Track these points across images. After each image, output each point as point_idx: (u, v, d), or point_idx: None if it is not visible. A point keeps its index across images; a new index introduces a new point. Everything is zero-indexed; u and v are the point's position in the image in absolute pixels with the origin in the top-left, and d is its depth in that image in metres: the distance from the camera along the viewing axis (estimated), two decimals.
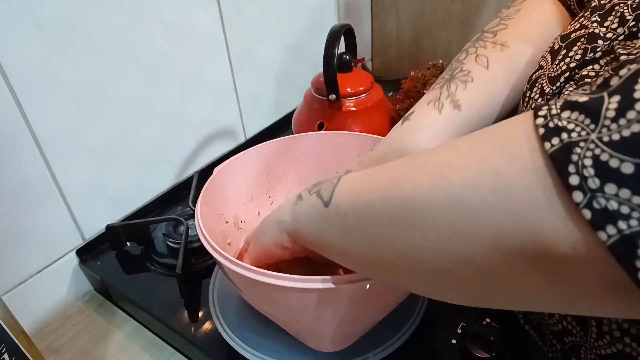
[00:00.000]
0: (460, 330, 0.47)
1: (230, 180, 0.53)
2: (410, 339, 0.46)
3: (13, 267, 0.56)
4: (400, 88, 0.75)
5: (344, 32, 0.65)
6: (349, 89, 0.68)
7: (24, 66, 0.51)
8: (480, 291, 0.26)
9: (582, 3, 0.46)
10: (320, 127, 0.68)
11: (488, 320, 0.46)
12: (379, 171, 0.30)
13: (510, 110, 0.47)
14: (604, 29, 0.34)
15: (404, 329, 0.47)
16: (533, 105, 0.38)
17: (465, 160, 0.24)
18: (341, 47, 0.66)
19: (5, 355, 0.36)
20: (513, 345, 0.44)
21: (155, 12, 0.62)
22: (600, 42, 0.34)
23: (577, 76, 0.35)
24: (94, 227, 0.64)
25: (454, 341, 0.46)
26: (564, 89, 0.36)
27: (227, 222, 0.53)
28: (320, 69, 0.64)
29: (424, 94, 0.63)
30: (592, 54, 0.34)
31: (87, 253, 0.63)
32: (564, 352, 0.38)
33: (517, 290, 0.24)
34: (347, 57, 0.69)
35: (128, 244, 0.64)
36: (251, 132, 0.85)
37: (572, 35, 0.38)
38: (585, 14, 0.38)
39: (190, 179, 0.70)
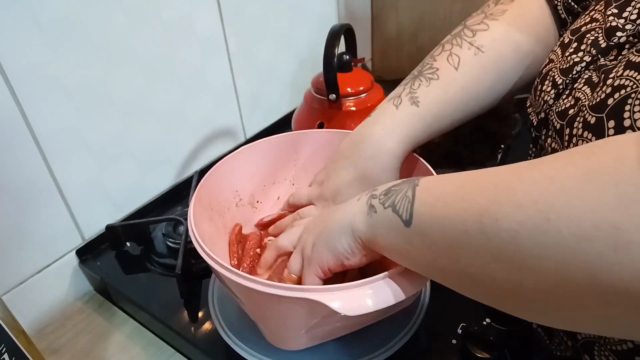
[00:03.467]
0: (460, 331, 0.47)
1: (252, 159, 0.55)
2: (410, 340, 0.46)
3: (13, 267, 0.56)
4: None
5: (344, 32, 0.65)
6: (349, 89, 0.68)
7: (24, 66, 0.51)
8: (584, 319, 0.25)
9: (570, 9, 0.46)
10: (321, 127, 0.68)
11: (488, 320, 0.46)
12: (463, 194, 0.29)
13: (479, 112, 0.50)
14: (622, 20, 0.34)
15: (404, 329, 0.47)
16: (545, 98, 0.39)
17: (575, 206, 0.22)
18: (341, 47, 0.66)
19: (5, 355, 0.36)
20: (513, 345, 0.44)
21: (155, 12, 0.62)
22: (619, 33, 0.34)
23: (598, 64, 0.35)
24: (94, 227, 0.64)
25: (454, 341, 0.46)
26: (580, 78, 0.36)
27: (240, 200, 0.54)
28: (320, 69, 0.64)
29: None
30: (614, 40, 0.34)
31: (87, 253, 0.63)
32: (575, 350, 0.38)
33: (627, 327, 0.23)
34: (347, 57, 0.69)
35: (128, 244, 0.64)
36: (251, 132, 0.85)
37: (583, 29, 0.38)
38: (596, 7, 0.39)
39: (190, 179, 0.70)
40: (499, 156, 0.64)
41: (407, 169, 0.51)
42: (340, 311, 0.33)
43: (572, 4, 0.46)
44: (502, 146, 0.63)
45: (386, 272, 0.35)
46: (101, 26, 0.57)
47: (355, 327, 0.43)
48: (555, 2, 0.47)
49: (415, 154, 0.50)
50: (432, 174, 0.47)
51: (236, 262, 0.50)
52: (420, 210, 0.31)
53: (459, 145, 0.60)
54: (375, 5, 1.02)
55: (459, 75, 0.47)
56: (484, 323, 0.46)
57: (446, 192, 0.30)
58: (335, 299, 0.34)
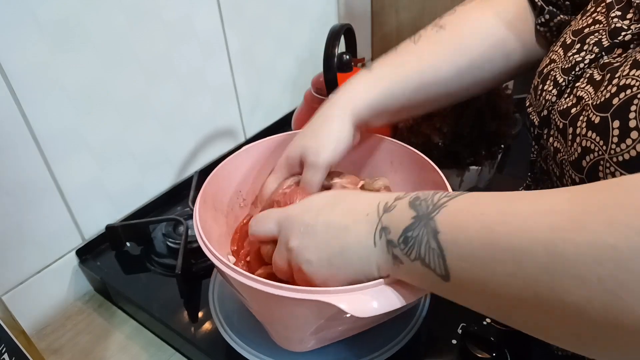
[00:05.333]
0: (460, 331, 0.47)
1: (255, 159, 0.54)
2: (411, 340, 0.46)
3: (13, 267, 0.56)
4: None
5: (344, 32, 0.65)
6: None
7: (24, 66, 0.51)
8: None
9: None
10: None
11: (488, 320, 0.46)
12: (502, 254, 0.26)
13: (445, 94, 0.50)
14: (626, 22, 0.35)
15: (405, 330, 0.47)
16: (547, 97, 0.39)
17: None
18: (341, 47, 0.66)
19: (5, 355, 0.36)
20: (513, 345, 0.44)
21: (155, 12, 0.62)
22: (624, 33, 0.34)
23: (601, 63, 0.35)
24: (94, 227, 0.64)
25: (454, 341, 0.46)
26: (582, 77, 0.36)
27: (244, 200, 0.54)
28: (320, 69, 0.64)
29: None
30: (619, 39, 0.34)
31: (87, 253, 0.63)
32: None
33: None
34: (347, 57, 0.69)
35: (128, 244, 0.64)
36: (251, 132, 0.85)
37: (586, 30, 0.38)
38: (598, 9, 0.39)
39: (190, 179, 0.70)
40: (499, 156, 0.64)
41: (410, 164, 0.51)
42: (351, 313, 0.32)
43: None
44: (502, 146, 0.63)
45: None
46: (101, 26, 0.57)
47: (363, 328, 0.42)
48: None
49: (417, 152, 0.50)
50: (438, 173, 0.47)
51: (235, 248, 0.50)
52: (455, 267, 0.28)
53: (459, 145, 0.60)
54: (375, 5, 1.02)
55: (415, 49, 0.49)
56: (484, 323, 0.46)
57: (479, 248, 0.27)
58: (346, 300, 0.33)
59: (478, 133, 0.60)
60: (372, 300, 0.34)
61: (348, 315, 0.33)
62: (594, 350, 0.25)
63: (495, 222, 0.27)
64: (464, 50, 0.48)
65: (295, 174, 0.48)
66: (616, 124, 0.30)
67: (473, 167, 0.61)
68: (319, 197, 0.38)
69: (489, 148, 0.61)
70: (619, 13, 0.36)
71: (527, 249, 0.24)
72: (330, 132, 0.46)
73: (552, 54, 0.41)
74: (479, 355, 0.43)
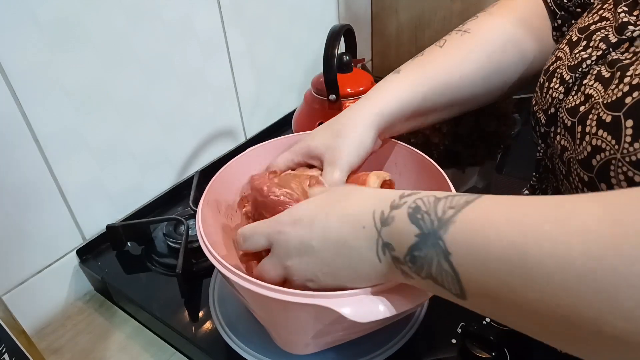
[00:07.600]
0: (460, 330, 0.47)
1: (259, 161, 0.54)
2: (410, 339, 0.46)
3: (13, 267, 0.56)
4: None
5: (344, 32, 0.65)
6: (349, 89, 0.68)
7: (24, 66, 0.51)
8: None
9: (561, 4, 0.48)
10: None
11: (488, 320, 0.46)
12: (527, 279, 0.23)
13: (469, 97, 0.51)
14: (633, 17, 0.35)
15: (404, 329, 0.47)
16: (553, 95, 0.39)
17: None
18: (341, 47, 0.66)
19: (6, 355, 0.36)
20: (513, 345, 0.44)
21: (155, 12, 0.62)
22: (631, 27, 0.34)
23: (609, 60, 0.35)
24: (94, 227, 0.64)
25: (454, 341, 0.46)
26: (590, 73, 0.36)
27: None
28: (320, 69, 0.64)
29: None
30: (627, 34, 0.34)
31: (88, 253, 0.63)
32: None
33: None
34: (347, 57, 0.69)
35: (128, 244, 0.64)
36: (251, 132, 0.85)
37: (592, 27, 0.38)
38: (604, 7, 0.39)
39: (190, 179, 0.70)
40: (499, 156, 0.64)
41: (414, 166, 0.51)
42: (350, 317, 0.32)
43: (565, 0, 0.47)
44: (502, 146, 0.63)
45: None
46: (101, 26, 0.57)
47: (364, 332, 0.42)
48: None
49: (422, 154, 0.50)
50: (439, 171, 0.47)
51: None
52: (472, 287, 0.27)
53: (459, 145, 0.60)
54: (375, 6, 1.03)
55: (442, 52, 0.50)
56: (484, 323, 0.46)
57: (496, 268, 0.25)
58: (346, 305, 0.33)
59: (478, 133, 0.60)
60: (376, 305, 0.33)
61: (350, 321, 0.33)
62: None
63: (517, 243, 0.24)
64: (489, 52, 0.49)
65: (305, 165, 0.48)
66: (629, 123, 0.30)
67: (473, 167, 0.62)
68: (306, 205, 0.37)
69: (488, 148, 0.61)
70: (625, 9, 0.36)
71: (559, 276, 0.22)
72: (355, 134, 0.46)
73: (558, 52, 0.41)
74: (479, 355, 0.43)
